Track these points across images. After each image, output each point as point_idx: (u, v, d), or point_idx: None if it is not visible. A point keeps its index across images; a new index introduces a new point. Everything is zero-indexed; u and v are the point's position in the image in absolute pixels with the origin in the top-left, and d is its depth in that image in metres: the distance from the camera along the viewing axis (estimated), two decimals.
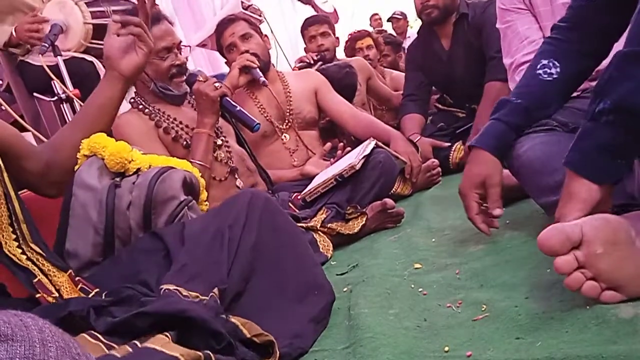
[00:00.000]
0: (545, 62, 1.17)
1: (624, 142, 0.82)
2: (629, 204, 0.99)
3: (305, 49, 3.53)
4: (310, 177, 2.12)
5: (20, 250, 0.86)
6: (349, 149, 2.18)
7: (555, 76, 1.16)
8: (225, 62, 2.53)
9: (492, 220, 1.26)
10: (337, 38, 3.50)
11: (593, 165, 0.85)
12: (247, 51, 2.30)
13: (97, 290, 0.94)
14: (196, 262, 0.98)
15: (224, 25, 2.43)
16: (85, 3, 2.34)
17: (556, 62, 1.16)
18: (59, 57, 2.15)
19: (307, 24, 3.42)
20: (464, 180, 1.28)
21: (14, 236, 0.87)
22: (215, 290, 0.93)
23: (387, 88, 3.35)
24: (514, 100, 1.22)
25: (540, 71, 1.17)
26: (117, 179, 1.16)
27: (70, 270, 0.92)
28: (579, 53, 1.14)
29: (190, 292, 0.92)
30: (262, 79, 2.23)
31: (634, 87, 0.78)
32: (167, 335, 0.76)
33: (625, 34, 1.04)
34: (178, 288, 0.91)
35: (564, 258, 0.80)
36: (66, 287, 0.89)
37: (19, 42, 2.34)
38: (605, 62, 1.16)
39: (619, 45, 1.10)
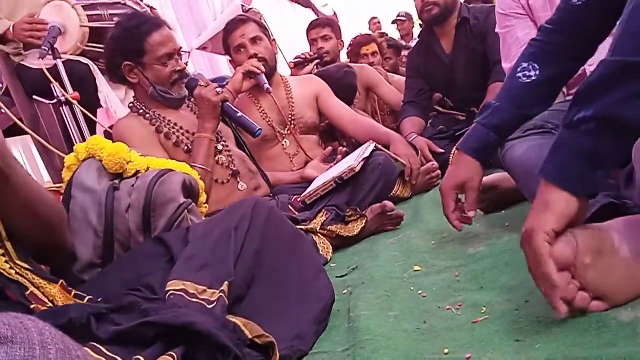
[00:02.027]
0: (525, 65, 1.18)
1: (603, 151, 0.78)
2: (615, 205, 1.00)
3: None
4: (310, 181, 2.13)
5: (8, 266, 0.85)
6: (346, 150, 2.18)
7: (533, 78, 1.17)
8: (230, 61, 2.53)
9: (468, 218, 1.33)
10: (342, 41, 3.48)
11: (572, 175, 0.80)
12: (256, 55, 2.31)
13: (91, 297, 0.94)
14: (203, 254, 0.98)
15: (234, 24, 2.42)
16: (82, 6, 2.34)
17: (535, 65, 1.17)
18: (58, 60, 2.16)
19: (309, 27, 3.43)
20: (446, 180, 1.34)
21: (1, 251, 0.86)
22: (225, 286, 0.93)
23: (396, 95, 3.27)
24: (494, 103, 1.25)
25: (520, 74, 1.19)
26: (116, 182, 1.16)
27: (61, 281, 0.92)
28: (561, 55, 1.15)
29: (198, 287, 0.91)
30: (267, 86, 2.24)
31: (619, 98, 0.75)
32: (172, 357, 0.75)
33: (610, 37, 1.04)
34: (185, 286, 0.91)
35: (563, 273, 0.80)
36: (60, 297, 0.88)
37: (13, 40, 2.34)
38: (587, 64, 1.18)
39: (604, 47, 1.10)
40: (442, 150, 2.51)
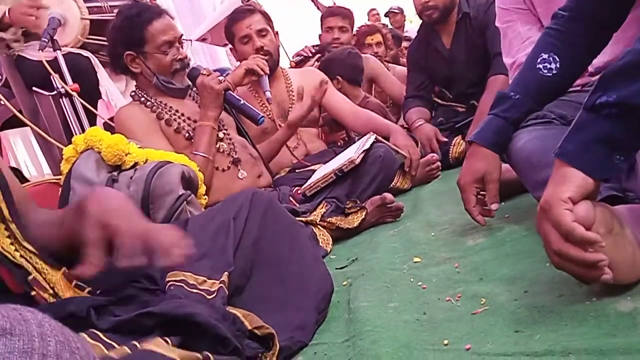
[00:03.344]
0: (545, 56, 1.16)
1: (623, 136, 0.78)
2: (617, 196, 0.99)
3: (319, 36, 3.52)
4: (307, 168, 2.14)
5: (13, 248, 0.85)
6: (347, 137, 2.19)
7: (554, 72, 1.15)
8: (231, 49, 2.52)
9: (489, 211, 1.30)
10: (354, 35, 3.48)
11: (590, 157, 0.80)
12: (262, 47, 2.31)
13: (90, 289, 0.94)
14: (202, 245, 0.98)
15: (240, 14, 2.41)
16: None
17: (556, 57, 1.14)
18: (57, 51, 2.15)
19: (329, 13, 3.42)
20: (464, 174, 1.30)
21: (7, 233, 0.86)
22: (225, 277, 0.93)
23: (398, 86, 3.26)
24: (512, 95, 1.22)
25: (540, 65, 1.16)
26: (114, 173, 1.16)
27: (64, 268, 0.92)
28: (578, 46, 1.12)
29: (197, 277, 0.91)
30: (268, 93, 2.23)
31: None
32: (166, 340, 0.75)
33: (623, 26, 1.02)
34: (185, 277, 0.91)
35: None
36: (60, 285, 0.88)
37: (11, 26, 2.32)
38: (599, 57, 1.16)
39: (617, 36, 1.08)
40: (446, 140, 2.51)
